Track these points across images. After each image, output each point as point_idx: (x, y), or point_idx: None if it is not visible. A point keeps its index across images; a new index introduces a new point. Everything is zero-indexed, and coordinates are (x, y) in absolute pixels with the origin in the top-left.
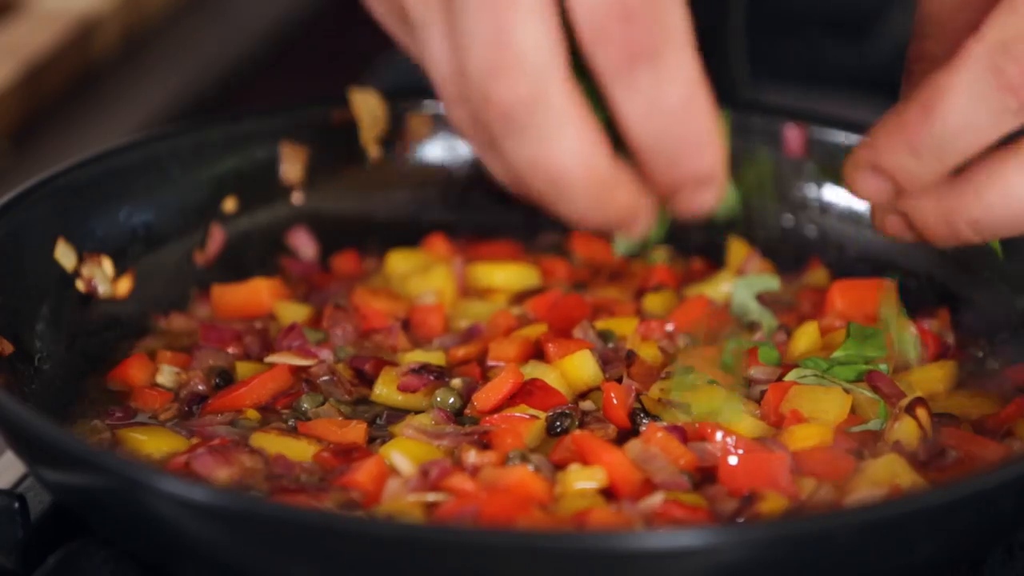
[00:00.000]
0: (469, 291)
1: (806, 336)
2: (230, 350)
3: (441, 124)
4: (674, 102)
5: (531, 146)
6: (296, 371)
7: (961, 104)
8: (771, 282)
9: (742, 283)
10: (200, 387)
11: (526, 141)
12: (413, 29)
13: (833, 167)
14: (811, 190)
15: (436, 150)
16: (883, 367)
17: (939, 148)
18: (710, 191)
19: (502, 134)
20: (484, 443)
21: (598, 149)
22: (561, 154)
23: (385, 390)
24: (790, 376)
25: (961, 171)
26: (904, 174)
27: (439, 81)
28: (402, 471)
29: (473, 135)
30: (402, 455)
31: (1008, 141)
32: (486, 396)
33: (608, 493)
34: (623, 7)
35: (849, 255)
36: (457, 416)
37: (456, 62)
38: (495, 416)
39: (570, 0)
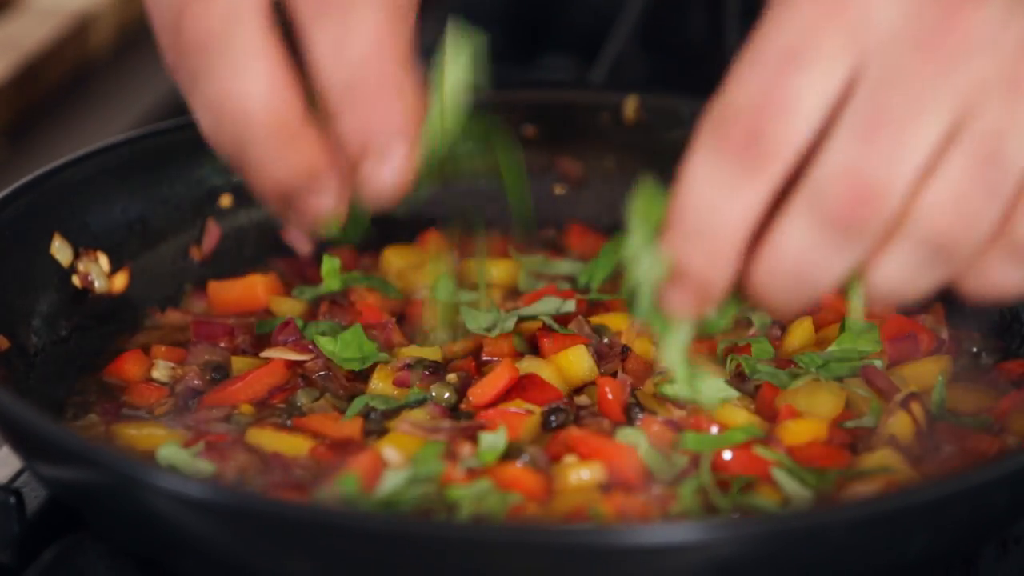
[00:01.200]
0: (465, 286)
1: (800, 331)
2: (221, 345)
3: None
4: (361, 48)
5: (220, 80)
6: (291, 366)
7: (699, 178)
8: None
9: None
10: (195, 382)
11: (216, 74)
12: None
13: None
14: None
15: None
16: (878, 362)
17: (699, 232)
18: (396, 157)
19: (195, 68)
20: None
21: (288, 94)
22: (249, 90)
23: (380, 385)
24: (794, 384)
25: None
26: (692, 275)
27: (156, 27)
28: (392, 464)
29: (179, 78)
30: (395, 449)
31: None
32: (481, 391)
33: (605, 488)
34: None
35: None
36: (452, 411)
37: None
38: (490, 411)
39: None
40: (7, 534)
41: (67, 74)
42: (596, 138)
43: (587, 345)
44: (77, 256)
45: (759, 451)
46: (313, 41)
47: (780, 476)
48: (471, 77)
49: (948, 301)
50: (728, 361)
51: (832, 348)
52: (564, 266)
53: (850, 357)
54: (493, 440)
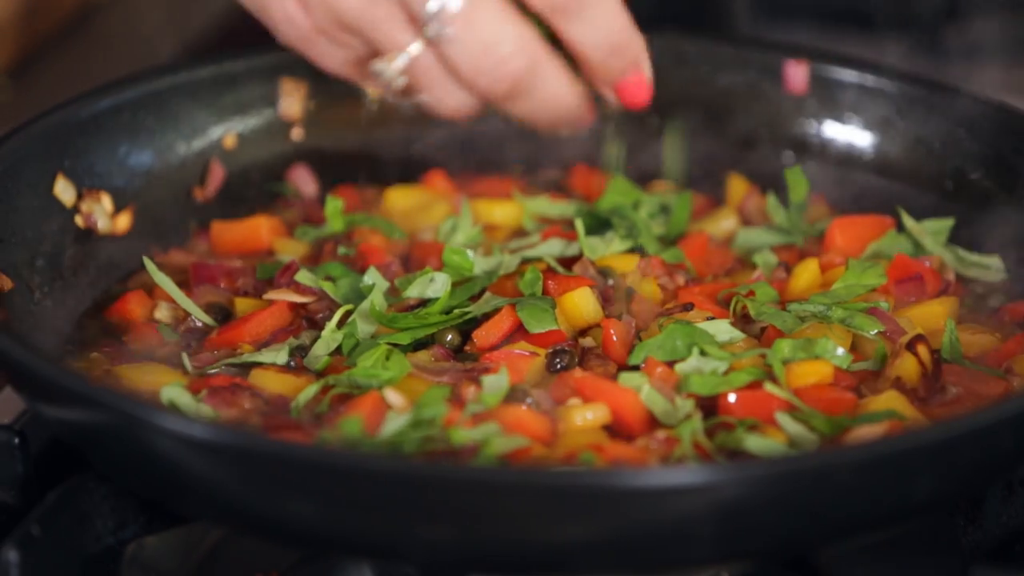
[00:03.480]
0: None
1: (806, 273)
2: (223, 286)
3: None
4: (621, 23)
5: (539, 97)
6: (295, 308)
7: None
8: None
9: (756, 232)
10: (198, 323)
11: (535, 96)
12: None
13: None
14: (811, 127)
15: None
16: (883, 304)
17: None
18: (644, 66)
19: (513, 97)
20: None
21: (573, 81)
22: (560, 95)
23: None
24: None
25: None
26: None
27: (462, 68)
28: (395, 407)
29: (476, 103)
30: (395, 392)
31: None
32: (486, 333)
33: (610, 429)
34: None
35: (849, 192)
36: (457, 353)
37: (447, 64)
38: (495, 353)
39: None
40: (11, 475)
41: (70, 13)
42: None
43: (592, 287)
44: (80, 196)
45: (769, 388)
46: (577, 30)
47: (784, 420)
48: None
49: (954, 244)
50: (733, 303)
51: (837, 285)
52: (568, 207)
53: (856, 291)
54: (496, 381)
